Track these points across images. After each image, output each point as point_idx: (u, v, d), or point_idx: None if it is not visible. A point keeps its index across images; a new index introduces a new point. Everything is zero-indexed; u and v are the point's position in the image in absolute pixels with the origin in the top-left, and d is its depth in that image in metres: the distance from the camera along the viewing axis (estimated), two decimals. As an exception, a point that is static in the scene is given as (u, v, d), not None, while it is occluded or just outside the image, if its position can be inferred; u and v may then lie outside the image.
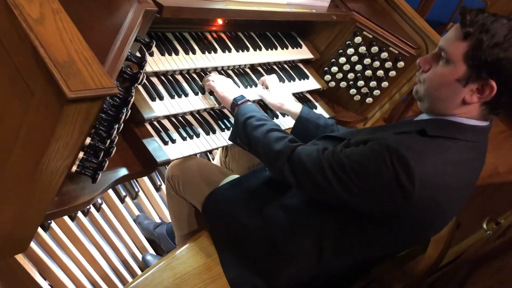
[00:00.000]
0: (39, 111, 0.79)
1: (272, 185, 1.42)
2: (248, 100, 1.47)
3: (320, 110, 1.94)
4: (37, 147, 0.82)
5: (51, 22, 0.79)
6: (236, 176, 1.56)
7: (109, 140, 1.06)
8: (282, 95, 1.61)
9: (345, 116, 2.06)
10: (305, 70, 1.98)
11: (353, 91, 2.04)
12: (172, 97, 1.45)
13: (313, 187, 1.17)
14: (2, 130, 0.89)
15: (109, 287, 1.84)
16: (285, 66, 1.92)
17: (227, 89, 1.49)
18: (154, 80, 1.46)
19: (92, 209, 1.90)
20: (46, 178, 0.89)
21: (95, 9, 1.05)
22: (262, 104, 1.72)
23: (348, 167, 1.09)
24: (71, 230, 1.79)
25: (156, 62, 1.43)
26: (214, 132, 1.54)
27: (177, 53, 1.50)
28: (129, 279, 1.90)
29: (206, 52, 1.59)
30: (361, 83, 2.00)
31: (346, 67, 1.99)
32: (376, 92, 2.01)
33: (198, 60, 1.55)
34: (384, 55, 1.91)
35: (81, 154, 1.02)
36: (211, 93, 1.55)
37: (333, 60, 2.00)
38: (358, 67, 1.97)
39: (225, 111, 1.63)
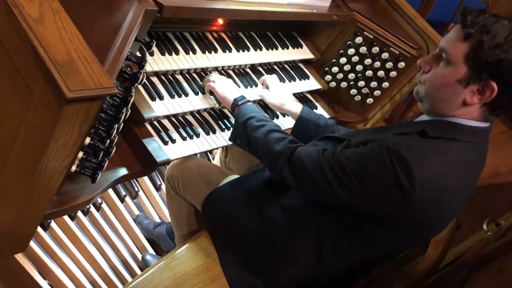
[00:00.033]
0: (38, 110, 0.79)
1: (272, 186, 1.42)
2: (249, 101, 1.47)
3: (320, 110, 1.94)
4: (36, 146, 0.82)
5: (50, 21, 0.79)
6: (236, 176, 1.56)
7: (108, 140, 1.06)
8: (283, 95, 1.61)
9: (345, 117, 2.06)
10: (306, 70, 1.98)
11: (353, 91, 2.03)
12: (172, 97, 1.45)
13: (313, 188, 1.17)
14: (1, 129, 0.89)
15: (109, 287, 1.84)
16: (286, 66, 1.92)
17: (228, 89, 1.49)
18: (154, 79, 1.46)
19: (92, 209, 1.90)
20: (45, 177, 0.89)
21: (95, 9, 1.05)
22: (262, 104, 1.72)
23: (348, 168, 1.09)
24: (70, 229, 1.79)
25: (157, 62, 1.43)
26: (214, 132, 1.54)
27: (177, 53, 1.50)
28: (129, 278, 1.90)
29: (207, 52, 1.59)
30: (361, 83, 2.00)
31: (347, 67, 1.99)
32: (377, 93, 2.00)
33: (198, 60, 1.55)
34: (385, 55, 1.91)
35: (80, 154, 1.02)
36: (211, 93, 1.55)
37: (334, 60, 2.00)
38: (359, 67, 1.97)
39: (225, 111, 1.63)
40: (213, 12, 1.47)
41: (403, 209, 1.07)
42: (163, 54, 1.46)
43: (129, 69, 1.17)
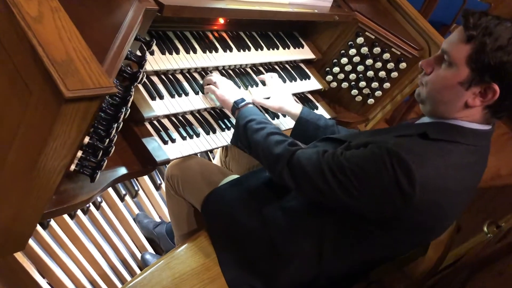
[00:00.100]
0: (37, 110, 0.79)
1: (272, 186, 1.42)
2: (249, 103, 1.46)
3: (321, 111, 1.93)
4: (35, 145, 0.82)
5: (49, 20, 0.79)
6: (236, 176, 1.55)
7: (108, 139, 1.06)
8: (281, 98, 1.60)
9: (346, 117, 2.05)
10: (307, 70, 1.98)
11: (354, 91, 2.03)
12: (172, 96, 1.45)
13: (313, 190, 1.17)
14: (0, 128, 0.89)
15: (108, 286, 1.84)
16: (287, 66, 1.91)
17: (228, 92, 1.48)
18: (155, 79, 1.45)
19: (92, 208, 1.90)
20: (44, 176, 0.88)
21: (94, 8, 1.04)
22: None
23: (348, 170, 1.09)
24: (70, 228, 1.79)
25: (157, 61, 1.42)
26: (214, 131, 1.53)
27: (178, 52, 1.50)
28: (128, 278, 1.90)
29: (207, 51, 1.59)
30: (362, 83, 1.99)
31: (348, 67, 1.98)
32: (378, 93, 2.00)
33: (199, 59, 1.55)
34: (386, 56, 1.90)
35: (79, 153, 1.02)
36: (212, 92, 1.55)
37: (335, 60, 2.00)
38: (360, 67, 1.96)
39: (226, 110, 1.63)
40: (213, 12, 1.47)
41: (403, 211, 1.07)
42: (163, 53, 1.46)
43: (129, 68, 1.17)
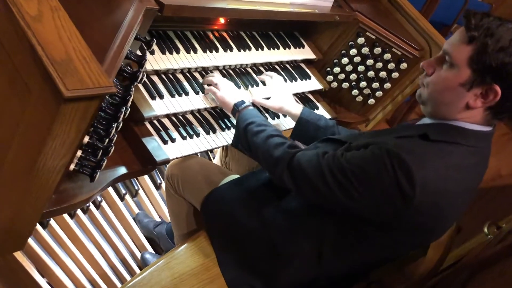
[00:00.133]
0: (36, 109, 0.79)
1: (272, 186, 1.41)
2: (249, 105, 1.46)
3: (321, 111, 1.93)
4: (34, 145, 0.82)
5: (49, 20, 0.79)
6: (236, 176, 1.55)
7: (107, 139, 1.06)
8: (282, 98, 1.60)
9: (347, 117, 2.05)
10: (307, 70, 1.97)
11: (355, 92, 2.02)
12: (172, 96, 1.45)
13: (313, 192, 1.16)
14: (0, 128, 0.88)
15: (108, 286, 1.84)
16: (287, 66, 1.91)
17: (228, 94, 1.48)
18: (155, 78, 1.45)
19: (92, 207, 1.90)
20: (43, 176, 0.88)
21: (94, 7, 1.04)
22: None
23: (349, 171, 1.09)
24: (70, 228, 1.78)
25: (157, 61, 1.42)
26: (214, 131, 1.53)
27: (178, 52, 1.49)
28: (128, 277, 1.90)
29: (208, 51, 1.58)
30: (363, 84, 1.99)
31: (349, 67, 1.98)
32: (379, 93, 1.99)
33: (199, 59, 1.54)
34: (387, 56, 1.90)
35: (79, 153, 1.02)
36: (212, 92, 1.55)
37: (336, 60, 1.99)
38: (361, 68, 1.96)
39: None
40: (214, 11, 1.46)
41: (403, 212, 1.06)
42: (163, 53, 1.45)
43: (128, 67, 1.17)
